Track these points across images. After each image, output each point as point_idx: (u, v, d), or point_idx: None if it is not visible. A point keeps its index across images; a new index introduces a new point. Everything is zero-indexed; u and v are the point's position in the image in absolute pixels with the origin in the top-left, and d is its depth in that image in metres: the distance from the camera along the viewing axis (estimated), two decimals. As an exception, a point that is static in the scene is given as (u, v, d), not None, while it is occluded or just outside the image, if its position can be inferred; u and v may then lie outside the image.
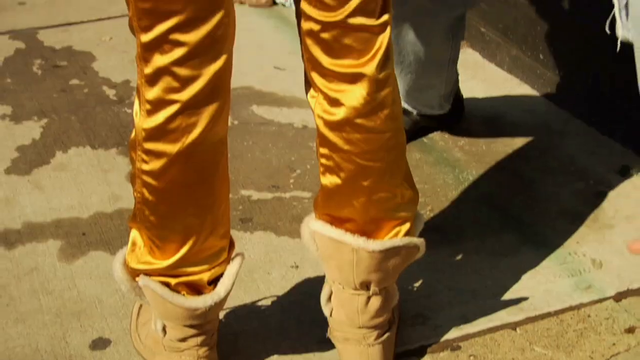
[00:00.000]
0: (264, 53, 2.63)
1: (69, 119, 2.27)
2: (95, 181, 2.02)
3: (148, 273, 1.36)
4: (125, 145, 2.12)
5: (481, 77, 2.47)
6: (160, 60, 1.19)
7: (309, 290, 1.65)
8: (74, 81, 2.48)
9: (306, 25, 1.29)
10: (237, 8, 2.88)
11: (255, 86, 2.44)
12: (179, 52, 1.19)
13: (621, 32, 1.27)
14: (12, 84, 2.46)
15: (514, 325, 1.59)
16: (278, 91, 2.41)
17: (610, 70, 2.07)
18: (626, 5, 1.24)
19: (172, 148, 1.24)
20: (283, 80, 2.46)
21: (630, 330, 1.57)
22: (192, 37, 1.18)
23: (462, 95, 2.18)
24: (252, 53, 2.60)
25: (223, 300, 1.39)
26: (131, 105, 2.26)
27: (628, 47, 1.29)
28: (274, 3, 2.98)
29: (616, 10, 1.27)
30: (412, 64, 1.89)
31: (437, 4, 1.78)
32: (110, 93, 2.41)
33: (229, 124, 1.33)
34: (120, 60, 2.57)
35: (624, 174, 2.00)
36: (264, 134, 2.21)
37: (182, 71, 1.20)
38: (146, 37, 1.19)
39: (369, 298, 1.44)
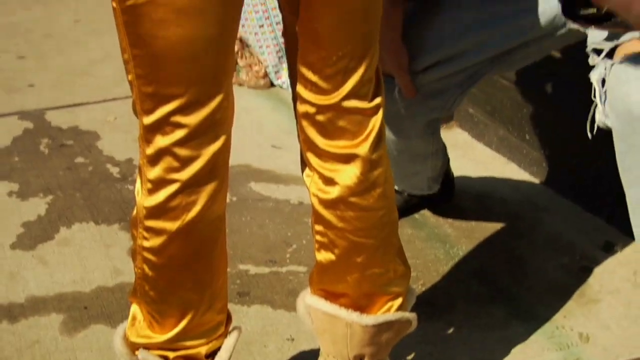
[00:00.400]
0: (263, 132, 2.65)
1: (73, 196, 2.28)
2: (98, 256, 2.01)
3: (147, 347, 1.35)
4: (128, 220, 2.12)
5: (470, 156, 2.48)
6: (161, 141, 1.20)
7: (304, 363, 1.63)
8: (79, 159, 2.49)
9: (302, 108, 1.31)
10: (238, 89, 2.93)
11: (254, 164, 2.45)
12: (179, 134, 1.19)
13: (599, 118, 1.28)
14: (20, 162, 2.47)
15: (504, 398, 1.58)
16: (275, 169, 2.42)
17: (593, 150, 2.08)
18: (605, 92, 1.25)
19: (172, 225, 1.24)
20: (280, 158, 2.48)
21: (618, 404, 1.55)
22: (193, 119, 1.19)
23: (452, 174, 2.19)
24: (251, 132, 2.62)
25: (220, 373, 1.37)
26: (134, 182, 2.27)
27: (607, 131, 1.29)
28: (272, 85, 3.01)
29: (597, 95, 1.28)
30: (396, 158, 1.88)
31: (417, 107, 1.76)
32: (114, 171, 2.42)
33: (228, 200, 1.34)
34: (123, 139, 2.59)
35: (609, 250, 2.00)
36: (261, 209, 2.22)
37: (183, 152, 1.20)
38: (148, 120, 1.20)
39: (362, 371, 1.42)
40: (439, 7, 1.68)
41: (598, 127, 1.30)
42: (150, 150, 1.21)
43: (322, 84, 1.27)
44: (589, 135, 1.31)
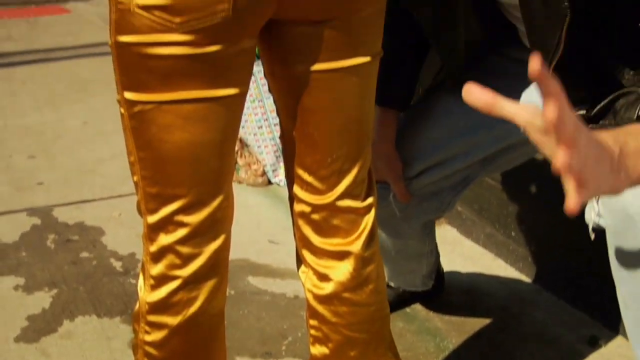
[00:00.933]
0: (261, 228, 2.66)
1: (77, 289, 2.27)
2: (100, 348, 1.99)
3: None
4: (129, 313, 2.11)
5: (459, 252, 2.49)
6: (164, 239, 1.21)
7: None
8: (84, 254, 2.49)
9: (298, 207, 1.32)
10: (237, 186, 2.94)
11: (251, 258, 2.45)
12: (181, 232, 1.20)
13: (592, 218, 1.26)
14: (27, 257, 2.46)
15: None
16: (272, 263, 2.42)
17: (577, 247, 2.09)
18: None
19: (173, 320, 1.24)
20: (277, 253, 2.48)
21: None
22: (194, 218, 1.20)
23: (442, 270, 2.19)
24: (250, 228, 2.63)
25: None
26: (136, 276, 2.26)
27: (599, 231, 1.28)
28: (270, 183, 3.04)
29: None
30: (393, 258, 1.88)
31: (412, 210, 1.75)
32: (117, 265, 2.41)
33: (226, 293, 1.33)
34: (127, 234, 2.59)
35: (593, 344, 1.99)
36: (258, 303, 2.21)
37: (184, 249, 1.21)
38: (152, 219, 1.21)
39: None
40: (429, 115, 1.69)
41: (594, 229, 1.28)
42: (153, 248, 1.22)
43: (317, 184, 1.28)
44: (592, 237, 1.29)
